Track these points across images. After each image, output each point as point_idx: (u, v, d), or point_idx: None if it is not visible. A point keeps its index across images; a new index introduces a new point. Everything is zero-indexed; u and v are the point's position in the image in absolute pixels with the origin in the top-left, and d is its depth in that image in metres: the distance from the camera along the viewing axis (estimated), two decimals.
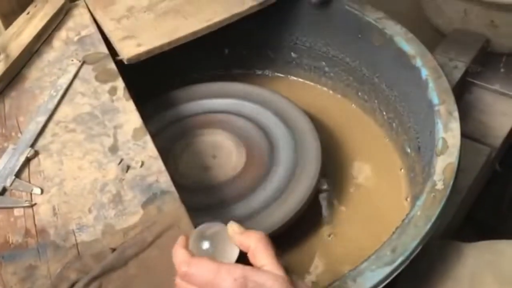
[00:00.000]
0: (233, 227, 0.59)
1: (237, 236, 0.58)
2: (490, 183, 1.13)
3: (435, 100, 0.85)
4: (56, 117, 0.86)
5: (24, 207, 0.75)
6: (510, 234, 0.84)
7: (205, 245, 0.60)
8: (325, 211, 0.96)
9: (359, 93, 1.12)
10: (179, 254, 0.58)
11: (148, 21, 1.01)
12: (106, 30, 0.99)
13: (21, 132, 0.84)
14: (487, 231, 1.26)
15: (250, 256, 0.57)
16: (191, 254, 0.58)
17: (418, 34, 0.97)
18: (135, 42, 0.96)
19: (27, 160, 0.80)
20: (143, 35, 0.97)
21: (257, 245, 0.56)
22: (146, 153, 0.79)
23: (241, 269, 0.54)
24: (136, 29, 0.99)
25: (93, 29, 0.99)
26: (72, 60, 0.94)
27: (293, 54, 1.19)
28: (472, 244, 0.82)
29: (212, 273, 0.54)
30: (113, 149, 0.81)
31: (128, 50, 0.94)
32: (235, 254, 0.59)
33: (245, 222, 0.86)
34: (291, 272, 0.57)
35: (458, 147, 0.79)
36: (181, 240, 0.61)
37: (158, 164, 0.78)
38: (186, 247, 0.60)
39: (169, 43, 0.96)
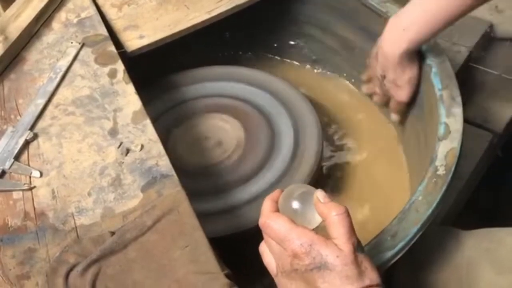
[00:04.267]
0: (317, 196, 0.60)
1: (319, 205, 0.59)
2: (491, 169, 1.13)
3: (438, 85, 0.85)
4: (56, 99, 0.85)
5: (23, 190, 0.75)
6: (510, 222, 0.84)
7: (294, 204, 0.61)
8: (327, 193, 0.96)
9: (362, 77, 1.11)
10: (265, 205, 0.62)
11: (150, 9, 1.01)
12: (107, 19, 0.99)
13: (20, 115, 0.84)
14: (487, 218, 1.26)
15: (327, 226, 0.58)
16: (276, 207, 0.61)
17: None
18: (137, 33, 0.97)
19: (26, 143, 0.80)
20: (145, 26, 0.98)
21: (333, 218, 0.57)
22: (146, 136, 0.79)
23: (309, 236, 0.56)
24: (138, 18, 0.99)
25: (92, 11, 0.98)
26: (72, 42, 0.93)
27: (295, 39, 1.18)
28: (471, 232, 0.82)
29: (284, 232, 0.57)
30: (113, 132, 0.80)
31: (130, 43, 0.95)
32: (318, 218, 0.60)
33: (247, 205, 0.86)
34: (362, 250, 0.57)
35: (461, 132, 0.78)
36: (274, 193, 0.63)
37: (158, 148, 0.77)
38: (276, 200, 0.62)
39: (171, 36, 0.97)
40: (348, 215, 0.58)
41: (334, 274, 0.55)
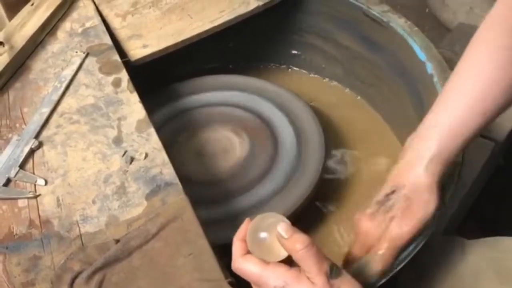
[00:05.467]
0: (279, 231, 0.59)
1: (282, 241, 0.59)
2: (494, 177, 1.13)
3: None
4: (60, 108, 0.86)
5: (28, 198, 0.75)
6: None
7: (261, 238, 0.60)
8: (330, 201, 0.96)
9: (363, 87, 1.12)
10: (234, 247, 0.61)
11: (153, 19, 1.02)
12: (111, 28, 1.00)
13: (25, 123, 0.84)
14: (490, 226, 1.26)
15: (295, 260, 0.58)
16: (245, 248, 0.61)
17: (423, 28, 0.97)
18: (140, 42, 0.98)
19: (31, 151, 0.80)
20: (148, 35, 0.99)
21: (298, 252, 0.57)
22: (150, 145, 0.79)
23: (282, 276, 0.57)
24: (142, 27, 1.00)
25: (97, 20, 0.99)
26: (76, 52, 0.94)
27: (297, 49, 1.19)
28: (475, 241, 0.81)
29: (257, 275, 0.58)
30: (117, 140, 0.81)
31: (134, 52, 0.96)
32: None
33: (250, 213, 0.86)
34: (338, 273, 0.57)
35: None
36: (241, 229, 0.62)
37: (162, 156, 0.78)
38: (244, 239, 0.61)
39: (174, 45, 0.98)
40: (313, 245, 0.57)
41: None
